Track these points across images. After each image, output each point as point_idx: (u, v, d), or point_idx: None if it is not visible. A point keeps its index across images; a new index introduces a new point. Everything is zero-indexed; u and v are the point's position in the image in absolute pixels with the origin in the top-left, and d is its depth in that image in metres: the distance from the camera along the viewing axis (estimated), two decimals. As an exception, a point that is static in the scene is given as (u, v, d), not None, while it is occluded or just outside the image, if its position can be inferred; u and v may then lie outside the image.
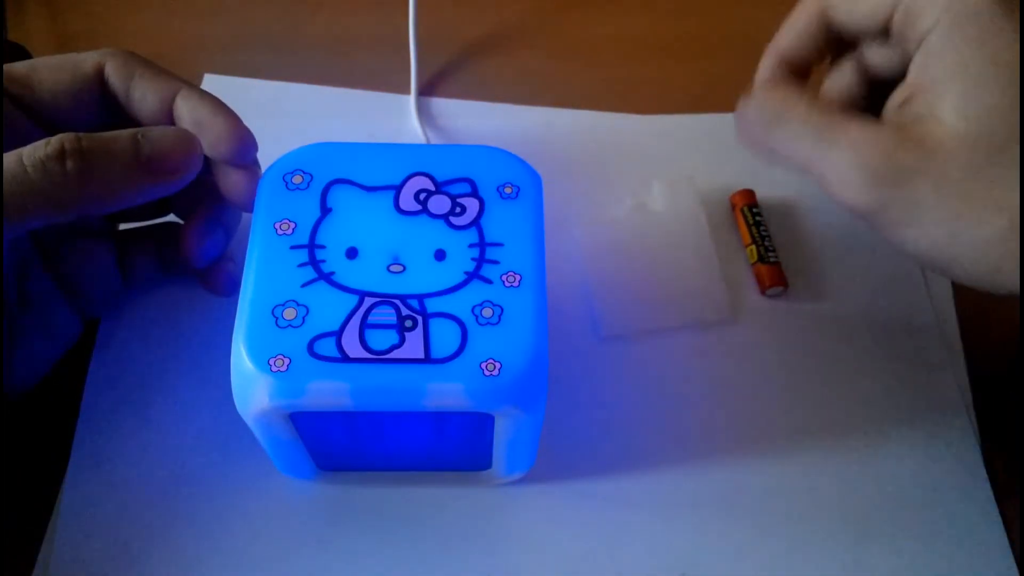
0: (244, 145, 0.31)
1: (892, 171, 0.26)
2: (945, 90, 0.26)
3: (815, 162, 0.27)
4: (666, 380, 0.35)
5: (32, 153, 0.27)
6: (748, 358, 0.36)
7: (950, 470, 0.33)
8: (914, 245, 0.26)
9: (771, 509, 0.32)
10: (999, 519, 0.32)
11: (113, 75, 0.31)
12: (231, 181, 0.31)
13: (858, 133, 0.26)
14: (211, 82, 0.42)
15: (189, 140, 0.29)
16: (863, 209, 0.26)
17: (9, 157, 0.27)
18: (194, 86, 0.31)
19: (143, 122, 0.32)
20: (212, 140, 0.30)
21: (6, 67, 0.31)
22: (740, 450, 0.33)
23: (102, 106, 0.32)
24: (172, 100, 0.31)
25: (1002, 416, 0.34)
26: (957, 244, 0.26)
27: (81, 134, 0.27)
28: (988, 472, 0.33)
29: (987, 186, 0.25)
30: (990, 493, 0.33)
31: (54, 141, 0.27)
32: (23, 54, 0.41)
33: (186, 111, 0.31)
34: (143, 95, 0.31)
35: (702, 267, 0.37)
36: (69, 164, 0.27)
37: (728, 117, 0.34)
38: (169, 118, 0.31)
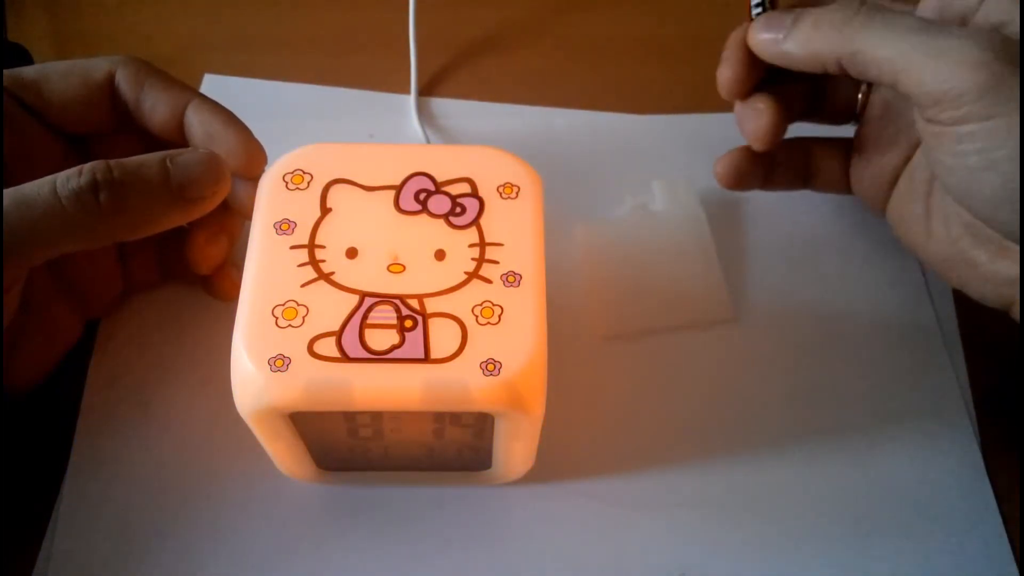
0: (254, 159, 0.31)
1: (1009, 52, 0.25)
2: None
3: (914, 54, 0.27)
4: (666, 380, 0.35)
5: (66, 184, 0.26)
6: (748, 358, 0.36)
7: (950, 470, 0.33)
8: (1009, 138, 0.25)
9: (771, 509, 0.32)
10: (999, 519, 0.32)
11: (124, 83, 0.31)
12: (239, 192, 0.31)
13: (962, 28, 0.26)
14: (211, 82, 0.42)
15: (218, 165, 0.29)
16: (978, 89, 0.25)
17: (42, 185, 0.26)
18: (205, 97, 0.31)
19: (153, 131, 0.32)
20: (223, 153, 0.30)
21: (16, 72, 0.31)
22: (740, 450, 0.34)
23: (112, 113, 0.32)
24: (183, 111, 0.31)
25: (1002, 416, 0.34)
26: None
27: (112, 163, 0.27)
28: (988, 472, 0.33)
29: None
30: (990, 493, 0.33)
31: (86, 171, 0.27)
32: (23, 54, 0.41)
33: (197, 123, 0.31)
34: (154, 105, 0.31)
35: (702, 267, 0.37)
36: (102, 197, 0.27)
37: (729, 117, 0.34)
38: (180, 128, 0.31)
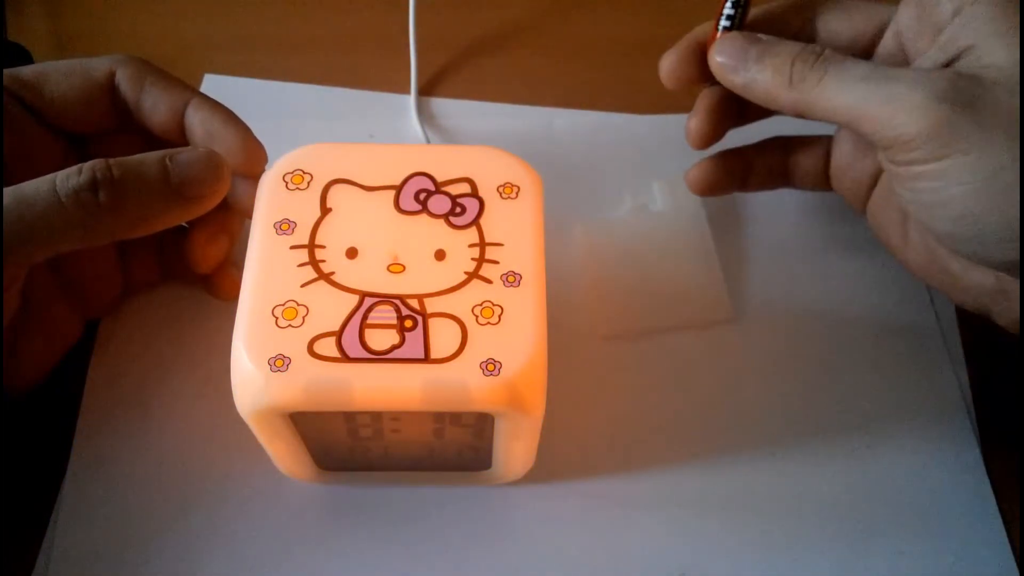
0: (254, 157, 0.31)
1: (957, 93, 0.26)
2: (995, 43, 0.26)
3: (865, 102, 0.27)
4: (666, 380, 0.35)
5: (65, 182, 0.26)
6: (748, 358, 0.36)
7: (950, 470, 0.33)
8: (960, 179, 0.26)
9: (771, 509, 0.32)
10: (999, 519, 0.32)
11: (124, 82, 0.31)
12: (239, 191, 0.31)
13: (914, 72, 0.27)
14: (211, 82, 0.42)
15: (217, 164, 0.29)
16: (924, 135, 0.26)
17: (41, 184, 0.26)
18: (205, 96, 0.31)
19: (153, 130, 0.32)
20: (223, 152, 0.30)
21: (15, 71, 0.31)
22: (740, 450, 0.34)
23: (112, 112, 0.32)
24: (183, 110, 0.31)
25: (1002, 416, 0.34)
26: (1014, 173, 0.25)
27: (112, 161, 0.27)
28: (988, 472, 0.33)
29: None
30: (990, 493, 0.33)
31: (86, 170, 0.27)
32: (23, 54, 0.41)
33: (197, 121, 0.31)
34: (154, 104, 0.31)
35: (702, 267, 0.37)
36: (102, 195, 0.27)
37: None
38: (180, 127, 0.31)
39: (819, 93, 0.28)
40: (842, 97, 0.28)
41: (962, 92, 0.26)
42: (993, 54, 0.26)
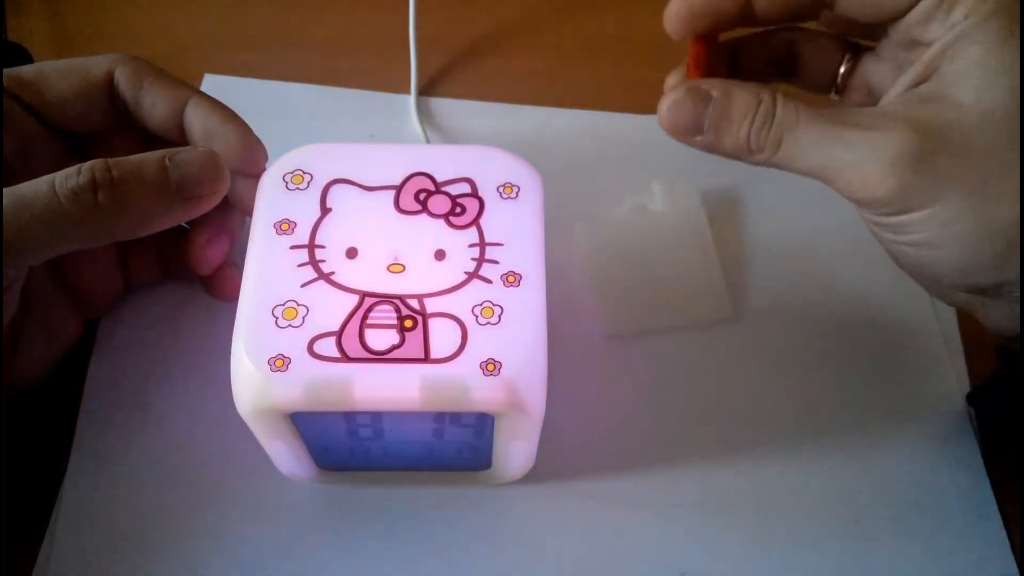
0: (254, 155, 0.31)
1: (916, 148, 0.26)
2: (969, 75, 0.26)
3: (824, 168, 0.27)
4: (666, 380, 0.35)
5: (64, 183, 0.26)
6: (748, 358, 0.36)
7: (950, 470, 0.33)
8: (925, 232, 0.26)
9: (771, 509, 0.32)
10: (999, 519, 0.32)
11: (123, 81, 0.31)
12: (239, 189, 0.31)
13: (868, 133, 0.26)
14: (211, 82, 0.42)
15: (217, 164, 0.29)
16: (884, 199, 0.26)
17: (41, 184, 0.26)
18: (204, 94, 0.31)
19: (152, 129, 0.32)
20: (222, 150, 0.30)
21: (15, 71, 0.31)
22: (740, 450, 0.34)
23: (111, 111, 0.32)
24: (182, 108, 0.31)
25: (1002, 416, 0.34)
26: (970, 223, 0.26)
27: (111, 161, 0.27)
28: (988, 472, 0.33)
29: (1004, 169, 0.25)
30: (990, 493, 0.33)
31: (85, 170, 0.27)
32: (23, 54, 0.41)
33: (196, 120, 0.31)
34: (153, 103, 0.31)
35: (702, 267, 0.37)
36: (101, 195, 0.27)
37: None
38: (179, 126, 0.31)
39: (779, 159, 0.28)
40: (801, 163, 0.27)
41: (921, 146, 0.26)
42: (963, 87, 0.26)
